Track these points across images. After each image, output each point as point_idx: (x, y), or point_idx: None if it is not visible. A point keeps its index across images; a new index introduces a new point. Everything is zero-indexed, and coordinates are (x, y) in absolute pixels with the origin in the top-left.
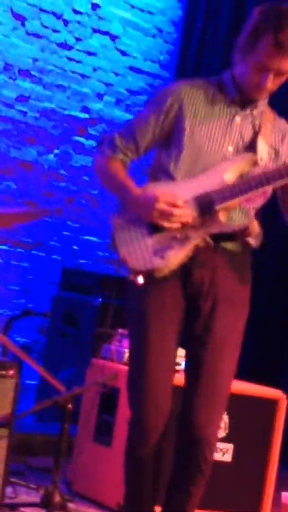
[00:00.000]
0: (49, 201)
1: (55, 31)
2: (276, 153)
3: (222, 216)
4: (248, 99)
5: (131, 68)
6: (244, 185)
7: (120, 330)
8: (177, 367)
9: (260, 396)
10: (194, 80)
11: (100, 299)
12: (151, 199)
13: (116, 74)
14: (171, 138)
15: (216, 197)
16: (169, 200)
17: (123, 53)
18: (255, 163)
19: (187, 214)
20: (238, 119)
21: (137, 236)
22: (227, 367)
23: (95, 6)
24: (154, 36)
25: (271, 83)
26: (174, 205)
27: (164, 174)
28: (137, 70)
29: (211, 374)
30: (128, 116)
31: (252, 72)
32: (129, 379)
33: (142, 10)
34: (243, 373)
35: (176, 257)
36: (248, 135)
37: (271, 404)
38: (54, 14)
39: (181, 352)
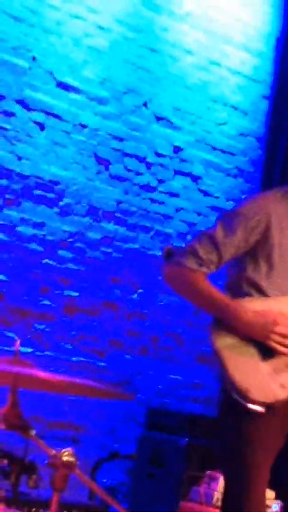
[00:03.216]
0: (134, 340)
1: (138, 173)
2: None
3: None
4: None
5: (213, 208)
6: None
7: (208, 472)
8: (267, 510)
9: None
10: (278, 191)
11: (187, 439)
12: (270, 321)
13: (199, 214)
14: (257, 252)
15: None
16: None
17: (205, 194)
18: None
19: None
20: None
21: (249, 359)
22: None
23: (177, 149)
24: (235, 176)
25: None
26: None
27: (254, 289)
28: (219, 210)
29: None
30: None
31: None
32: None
33: (223, 152)
34: None
35: None
36: None
37: None
38: (137, 157)
39: (269, 493)
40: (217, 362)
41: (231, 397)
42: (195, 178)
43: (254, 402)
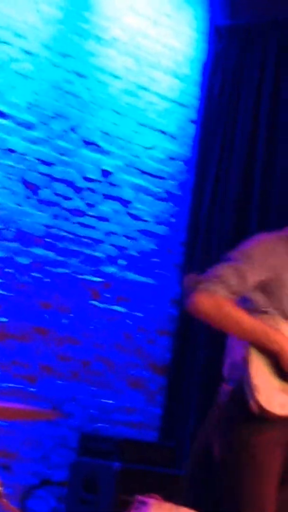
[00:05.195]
0: (65, 365)
1: (67, 198)
2: None
3: None
4: None
5: (143, 232)
6: None
7: (138, 497)
8: None
9: None
10: (276, 236)
11: (119, 464)
12: None
13: (129, 238)
14: (268, 288)
15: None
16: None
17: (135, 217)
18: None
19: None
20: None
21: (270, 370)
22: None
23: (106, 173)
24: (164, 200)
25: None
26: None
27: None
28: (150, 234)
29: None
30: (141, 278)
31: None
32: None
33: (152, 175)
34: None
35: None
36: None
37: None
38: (65, 182)
39: None
40: (245, 359)
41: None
42: (125, 202)
43: (255, 401)
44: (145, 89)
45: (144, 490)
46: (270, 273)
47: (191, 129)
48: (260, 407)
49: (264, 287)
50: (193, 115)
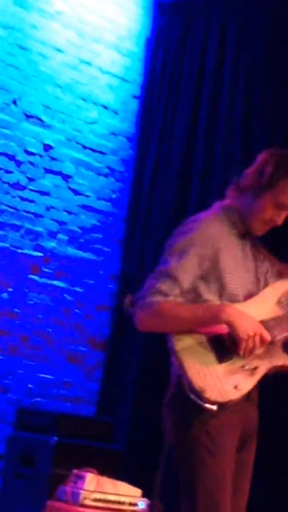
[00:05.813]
0: (4, 339)
1: (7, 172)
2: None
3: (281, 347)
4: (250, 231)
5: (84, 207)
6: None
7: (75, 471)
8: (133, 507)
9: None
10: (214, 216)
11: (56, 438)
12: (259, 325)
13: (69, 213)
14: (208, 276)
15: (274, 326)
16: (264, 332)
17: (76, 192)
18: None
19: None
20: (249, 247)
21: (206, 361)
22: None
23: (47, 147)
24: (106, 175)
25: (283, 219)
26: (266, 338)
27: None
28: (90, 209)
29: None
30: (82, 254)
31: (267, 209)
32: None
33: (94, 150)
34: None
35: (248, 387)
36: (255, 259)
37: None
38: (6, 155)
39: (136, 491)
40: (177, 363)
41: (189, 399)
42: (66, 177)
43: (209, 402)
44: (87, 63)
45: (81, 464)
46: (207, 262)
47: (134, 105)
48: (216, 403)
49: (205, 277)
50: (135, 90)
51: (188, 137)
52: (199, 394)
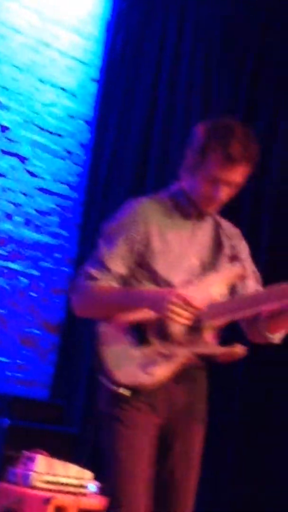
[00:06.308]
0: None
1: None
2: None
3: (207, 335)
4: (201, 211)
5: (41, 189)
6: (235, 304)
7: (25, 453)
8: (83, 490)
9: None
10: (150, 200)
11: (8, 420)
12: (169, 291)
13: (25, 195)
14: (140, 261)
15: (203, 313)
16: (187, 295)
17: (32, 175)
18: (241, 277)
19: (198, 312)
20: (197, 231)
21: (123, 345)
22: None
23: (4, 129)
24: (63, 158)
25: (223, 194)
26: (190, 301)
27: None
28: (47, 191)
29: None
30: (38, 237)
31: (204, 186)
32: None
33: (51, 133)
34: None
35: (163, 374)
36: (207, 244)
37: None
38: None
39: (87, 474)
40: (94, 345)
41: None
42: (22, 159)
43: (118, 384)
44: (47, 45)
45: (33, 447)
46: (138, 245)
47: (93, 88)
48: (125, 386)
49: (140, 263)
50: (95, 73)
51: (146, 121)
52: (108, 375)
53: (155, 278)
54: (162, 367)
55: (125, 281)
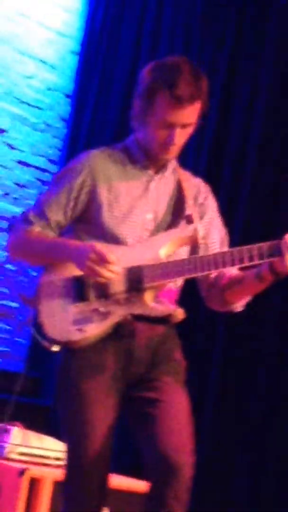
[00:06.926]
0: None
1: None
2: (201, 218)
3: (148, 296)
4: (157, 162)
5: (19, 162)
6: (178, 267)
7: (0, 425)
8: (58, 462)
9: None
10: (102, 150)
11: None
12: (89, 246)
13: (4, 168)
14: (87, 214)
15: (146, 274)
16: (104, 252)
17: (11, 147)
18: (193, 239)
19: (117, 272)
20: (152, 184)
21: (60, 301)
22: (184, 401)
23: None
24: (42, 131)
25: (178, 137)
26: (107, 258)
27: None
28: (25, 164)
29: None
30: (16, 209)
31: (156, 132)
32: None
33: (30, 105)
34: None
35: (94, 331)
36: (165, 199)
37: None
38: None
39: (62, 446)
40: (32, 295)
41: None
42: (1, 131)
43: (46, 338)
44: (26, 16)
45: (8, 419)
46: (81, 195)
47: (72, 61)
48: (54, 341)
49: (84, 216)
50: (75, 46)
51: (125, 94)
52: (38, 328)
53: (103, 233)
54: (97, 324)
55: (63, 229)
